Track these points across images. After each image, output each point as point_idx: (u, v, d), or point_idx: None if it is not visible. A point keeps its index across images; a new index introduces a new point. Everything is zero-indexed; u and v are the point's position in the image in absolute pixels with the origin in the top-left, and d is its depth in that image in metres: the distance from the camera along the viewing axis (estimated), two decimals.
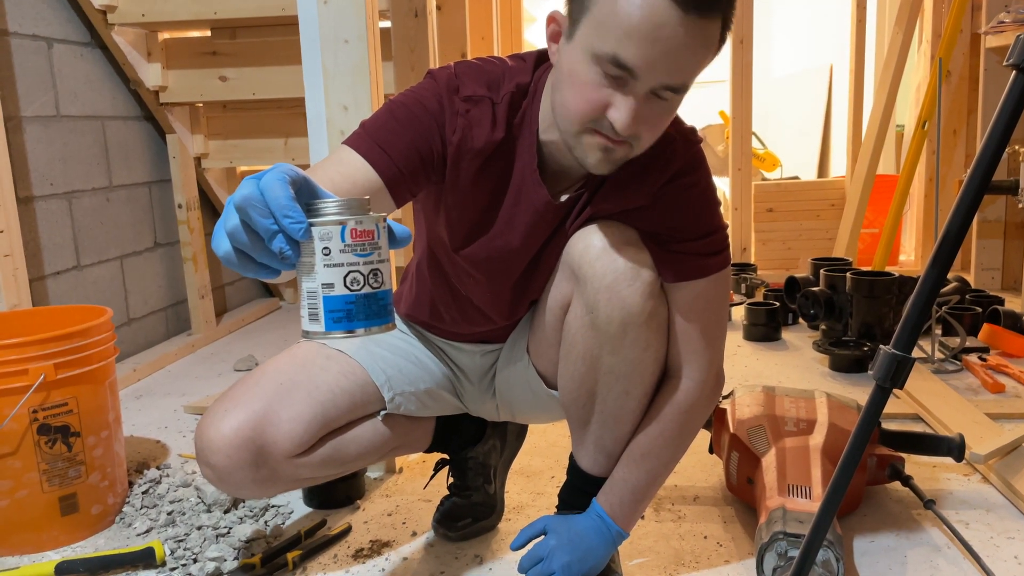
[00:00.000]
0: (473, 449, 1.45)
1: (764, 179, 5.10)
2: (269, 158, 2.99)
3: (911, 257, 3.82)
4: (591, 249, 1.06)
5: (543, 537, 1.19)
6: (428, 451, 1.42)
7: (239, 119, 2.96)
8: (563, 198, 1.08)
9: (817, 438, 1.43)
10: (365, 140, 1.00)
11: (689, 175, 1.08)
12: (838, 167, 5.01)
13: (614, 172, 1.02)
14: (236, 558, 1.39)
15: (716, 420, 1.60)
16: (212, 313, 2.97)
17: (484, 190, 1.09)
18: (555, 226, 1.11)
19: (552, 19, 0.99)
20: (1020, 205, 2.70)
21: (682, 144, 1.07)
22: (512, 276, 1.16)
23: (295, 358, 1.23)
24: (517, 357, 1.26)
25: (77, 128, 2.43)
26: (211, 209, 3.13)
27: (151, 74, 2.69)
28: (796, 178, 5.00)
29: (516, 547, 1.20)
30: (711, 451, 1.65)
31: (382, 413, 1.27)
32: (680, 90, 0.92)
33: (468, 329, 1.26)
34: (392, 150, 1.00)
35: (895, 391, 2.07)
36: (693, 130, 1.10)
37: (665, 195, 1.08)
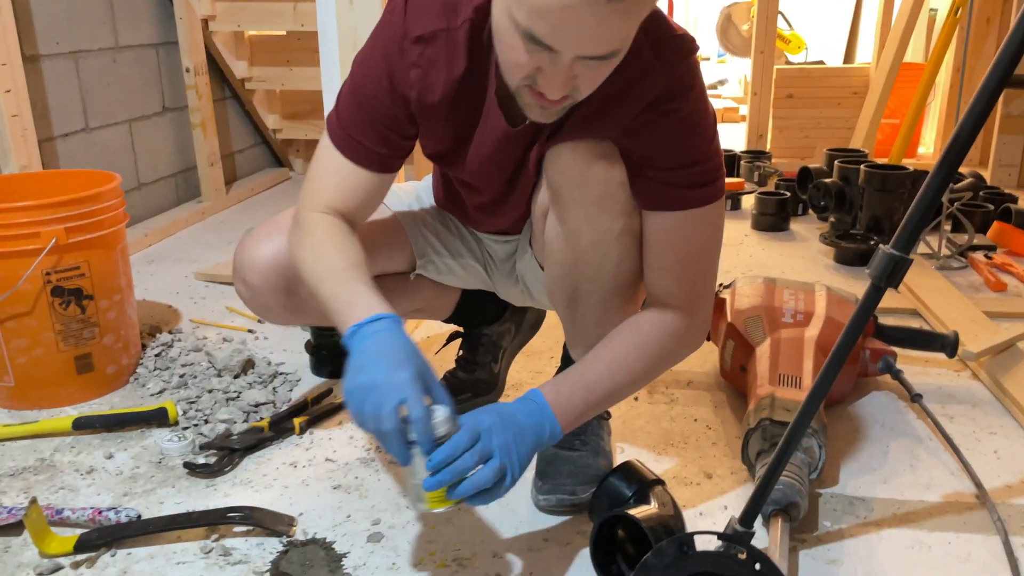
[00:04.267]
0: (489, 328, 1.49)
1: (788, 63, 4.96)
2: (278, 23, 2.91)
3: (931, 150, 3.75)
4: (561, 160, 1.01)
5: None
6: (447, 321, 1.48)
7: None
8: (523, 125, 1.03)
9: (812, 330, 1.45)
10: (342, 136, 1.06)
11: (669, 103, 0.97)
12: (866, 53, 4.85)
13: (583, 105, 0.96)
14: (245, 421, 1.45)
15: (715, 309, 1.62)
16: (222, 181, 2.97)
17: (457, 123, 1.05)
18: (522, 152, 1.06)
19: None
20: None
21: (662, 71, 0.96)
22: (495, 190, 1.14)
23: None
24: (528, 249, 1.27)
25: None
26: (219, 74, 3.07)
27: None
28: (821, 63, 4.86)
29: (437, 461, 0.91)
30: (708, 338, 1.68)
31: (413, 273, 1.32)
32: (610, 56, 0.84)
33: (484, 222, 1.27)
34: (367, 139, 1.05)
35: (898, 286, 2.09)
36: (681, 48, 0.97)
37: (640, 124, 0.99)
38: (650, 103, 0.97)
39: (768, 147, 3.69)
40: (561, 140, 1.02)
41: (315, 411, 1.48)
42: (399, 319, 0.95)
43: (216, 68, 3.03)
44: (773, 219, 2.69)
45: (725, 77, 6.36)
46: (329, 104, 1.62)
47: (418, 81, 1.01)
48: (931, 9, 3.93)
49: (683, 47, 0.97)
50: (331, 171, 1.08)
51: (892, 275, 0.92)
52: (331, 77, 1.60)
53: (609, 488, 1.12)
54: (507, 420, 0.95)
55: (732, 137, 4.33)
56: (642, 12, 0.83)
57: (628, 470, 1.13)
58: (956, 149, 0.89)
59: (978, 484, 1.26)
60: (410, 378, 0.88)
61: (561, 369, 1.30)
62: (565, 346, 1.28)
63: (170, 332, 1.83)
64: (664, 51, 0.95)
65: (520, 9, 0.81)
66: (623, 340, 1.06)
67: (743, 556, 0.92)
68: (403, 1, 1.01)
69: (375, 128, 1.05)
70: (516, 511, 1.21)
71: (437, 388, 0.92)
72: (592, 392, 1.03)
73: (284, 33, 3.13)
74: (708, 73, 6.41)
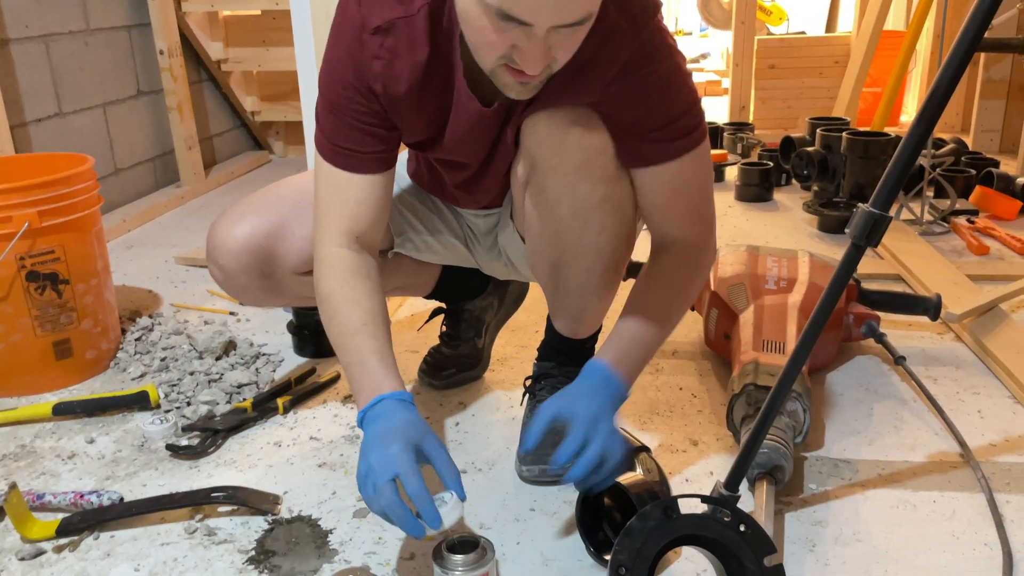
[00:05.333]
0: (471, 302, 1.48)
1: (770, 34, 4.94)
2: (252, 2, 2.87)
3: (913, 117, 3.75)
4: (538, 129, 1.01)
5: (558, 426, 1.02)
6: (428, 297, 1.48)
7: None
8: (497, 103, 1.02)
9: (796, 296, 1.45)
10: (330, 149, 1.04)
11: (645, 64, 0.96)
12: (847, 22, 4.83)
13: (556, 75, 0.94)
14: (228, 402, 1.44)
15: None
16: (200, 165, 2.93)
17: (429, 111, 1.03)
18: (499, 127, 1.05)
19: None
20: None
21: (631, 34, 0.94)
22: (473, 167, 1.13)
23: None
24: (509, 222, 1.26)
25: None
26: (194, 56, 3.03)
27: None
28: (802, 33, 4.84)
29: (529, 447, 1.02)
30: (692, 308, 1.67)
31: (391, 252, 1.30)
32: (584, 21, 0.83)
33: (464, 198, 1.25)
34: (354, 143, 1.03)
35: (881, 252, 2.09)
36: (646, 6, 0.95)
37: (619, 89, 0.97)
38: (625, 66, 0.96)
39: (751, 118, 3.68)
40: (537, 110, 1.01)
41: (298, 391, 1.47)
42: (401, 395, 0.97)
43: (191, 50, 2.99)
44: (756, 189, 2.69)
45: (707, 51, 6.34)
46: (304, 82, 1.60)
47: (382, 72, 0.99)
48: None
49: (648, 5, 0.96)
50: (332, 191, 1.06)
51: (872, 233, 0.91)
52: (305, 54, 1.58)
53: None
54: (599, 411, 1.00)
55: (715, 110, 4.31)
56: None
57: None
58: (932, 106, 0.88)
59: (962, 443, 1.26)
60: (399, 451, 0.90)
61: (545, 341, 1.29)
62: (549, 318, 1.27)
63: (150, 316, 1.81)
64: (630, 10, 0.94)
65: None
66: (653, 290, 1.08)
67: (728, 518, 0.92)
68: None
69: (357, 129, 1.03)
70: (502, 482, 1.21)
71: (438, 457, 0.92)
72: (645, 347, 1.07)
73: (259, 12, 3.08)
74: (690, 47, 6.39)
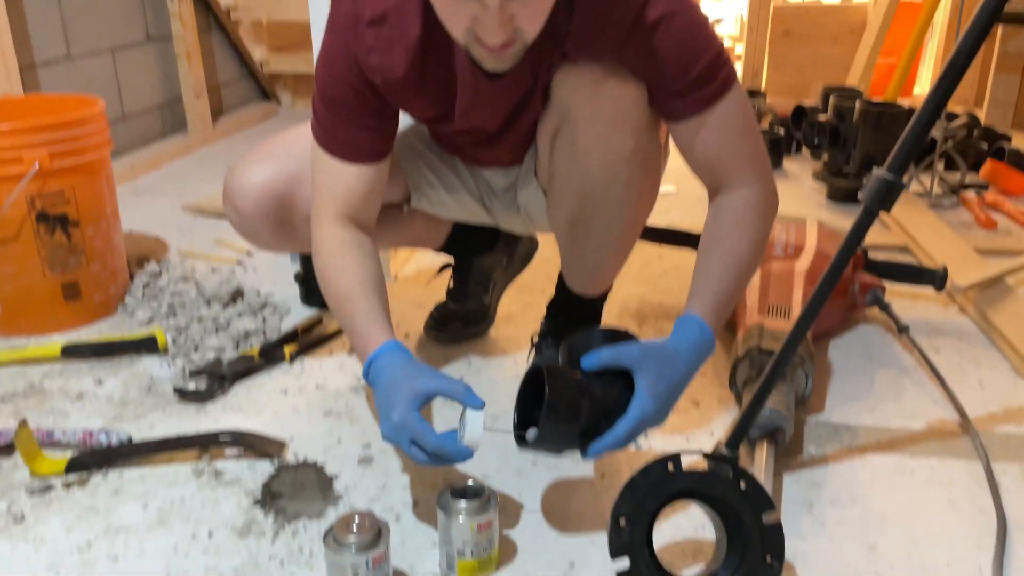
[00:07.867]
0: (480, 258, 1.49)
1: (786, 1, 4.87)
2: None
3: (927, 89, 3.72)
4: (569, 81, 1.00)
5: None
6: (439, 251, 1.49)
7: None
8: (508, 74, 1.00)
9: (803, 263, 1.45)
10: (325, 138, 1.07)
11: (657, 22, 0.94)
12: None
13: (568, 42, 0.96)
14: (235, 349, 1.45)
15: None
16: (208, 114, 2.92)
17: (433, 92, 1.03)
18: (519, 95, 1.04)
19: None
20: None
21: None
22: (491, 131, 1.12)
23: None
24: (531, 179, 1.26)
25: None
26: (203, 2, 2.99)
27: None
28: (819, 0, 4.77)
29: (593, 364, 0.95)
30: None
31: (406, 208, 1.31)
32: None
33: (483, 157, 1.25)
34: (349, 134, 1.05)
35: (888, 223, 2.09)
36: None
37: (633, 46, 0.96)
38: (632, 25, 0.94)
39: (763, 86, 3.64)
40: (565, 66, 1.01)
41: (305, 340, 1.48)
42: (389, 345, 0.99)
43: None
44: None
45: (721, 16, 6.25)
46: (317, 33, 1.59)
47: (379, 63, 1.00)
48: None
49: None
50: (327, 176, 1.08)
51: (885, 199, 0.91)
52: (318, 5, 1.56)
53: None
54: (682, 378, 0.96)
55: None
56: None
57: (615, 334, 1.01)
58: (952, 74, 0.88)
59: (962, 412, 1.27)
60: (404, 413, 0.91)
61: (555, 299, 1.30)
62: (560, 276, 1.27)
63: (158, 263, 1.81)
64: None
65: None
66: (724, 234, 1.02)
67: (729, 476, 0.93)
68: None
69: (353, 123, 1.05)
70: (505, 436, 1.22)
71: (439, 387, 0.93)
72: (729, 297, 1.01)
73: None
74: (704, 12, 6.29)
